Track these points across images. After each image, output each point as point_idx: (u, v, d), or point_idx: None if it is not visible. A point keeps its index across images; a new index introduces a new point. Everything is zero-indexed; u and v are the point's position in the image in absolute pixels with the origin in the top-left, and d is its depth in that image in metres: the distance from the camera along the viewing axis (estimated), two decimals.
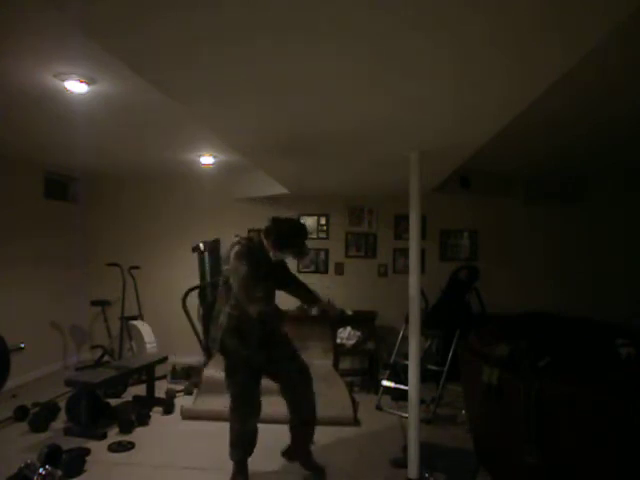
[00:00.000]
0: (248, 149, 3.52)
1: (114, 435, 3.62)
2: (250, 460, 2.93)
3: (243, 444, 2.88)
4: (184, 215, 6.12)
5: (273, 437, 3.18)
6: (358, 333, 5.21)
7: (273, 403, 3.12)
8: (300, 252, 2.89)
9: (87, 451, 3.27)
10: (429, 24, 1.51)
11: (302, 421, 2.96)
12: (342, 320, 5.18)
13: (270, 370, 2.91)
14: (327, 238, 5.89)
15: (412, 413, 2.97)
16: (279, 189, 5.21)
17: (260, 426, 2.94)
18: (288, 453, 3.09)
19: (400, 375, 4.36)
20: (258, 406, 2.90)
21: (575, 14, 1.41)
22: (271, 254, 2.80)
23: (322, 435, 3.21)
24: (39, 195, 5.40)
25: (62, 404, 3.92)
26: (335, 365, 4.94)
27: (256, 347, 2.80)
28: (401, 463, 3.09)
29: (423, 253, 5.37)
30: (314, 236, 5.78)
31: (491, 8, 1.40)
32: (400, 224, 5.75)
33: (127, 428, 3.67)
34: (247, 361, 2.81)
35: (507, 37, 1.59)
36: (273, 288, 2.91)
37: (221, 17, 1.47)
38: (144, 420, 3.85)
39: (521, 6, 1.38)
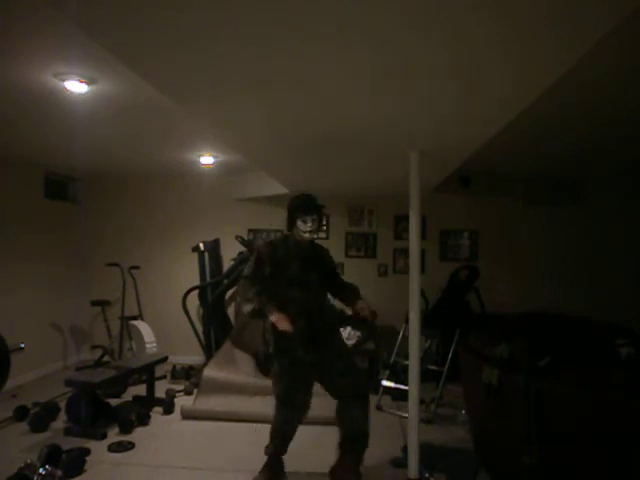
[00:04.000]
0: (247, 149, 3.53)
1: (114, 435, 3.62)
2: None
3: (276, 441, 2.86)
4: (184, 215, 6.11)
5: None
6: (358, 333, 5.21)
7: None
8: None
9: (87, 451, 3.26)
10: (429, 24, 1.51)
11: (347, 439, 2.85)
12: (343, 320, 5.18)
13: (319, 375, 2.85)
14: (327, 238, 5.88)
15: (412, 413, 2.97)
16: (279, 189, 5.20)
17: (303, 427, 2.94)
18: (333, 473, 2.88)
19: (400, 375, 4.35)
20: (301, 410, 2.82)
21: (575, 14, 1.41)
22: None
23: (322, 435, 3.21)
24: (39, 195, 5.40)
25: (62, 404, 3.92)
26: None
27: (304, 349, 2.74)
28: (401, 463, 3.09)
29: (423, 253, 5.36)
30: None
31: (491, 8, 1.40)
32: (400, 224, 5.75)
33: (127, 428, 3.67)
34: (294, 363, 2.76)
35: (507, 37, 1.59)
36: (314, 285, 2.90)
37: (221, 15, 1.47)
38: (144, 420, 3.85)
39: (521, 6, 1.38)
